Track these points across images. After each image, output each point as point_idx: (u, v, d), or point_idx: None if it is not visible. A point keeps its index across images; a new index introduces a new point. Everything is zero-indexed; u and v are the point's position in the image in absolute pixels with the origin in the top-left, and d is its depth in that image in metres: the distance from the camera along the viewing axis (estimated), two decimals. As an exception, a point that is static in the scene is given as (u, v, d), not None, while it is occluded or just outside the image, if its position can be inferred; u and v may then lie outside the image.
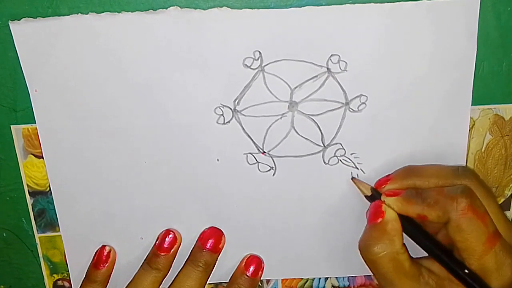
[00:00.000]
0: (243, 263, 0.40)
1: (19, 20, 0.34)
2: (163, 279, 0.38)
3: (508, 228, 0.33)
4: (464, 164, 0.38)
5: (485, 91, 0.37)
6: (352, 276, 0.42)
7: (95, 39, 0.35)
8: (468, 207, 0.30)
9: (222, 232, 0.39)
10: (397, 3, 0.34)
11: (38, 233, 0.40)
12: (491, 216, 0.31)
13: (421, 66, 0.35)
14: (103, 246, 0.39)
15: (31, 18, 0.34)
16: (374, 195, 0.35)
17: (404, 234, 0.33)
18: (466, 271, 0.31)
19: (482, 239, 0.31)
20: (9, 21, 0.34)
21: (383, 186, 0.35)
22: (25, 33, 0.35)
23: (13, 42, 0.35)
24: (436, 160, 0.37)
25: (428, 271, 0.33)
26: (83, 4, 0.34)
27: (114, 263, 0.40)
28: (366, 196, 0.36)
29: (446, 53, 0.35)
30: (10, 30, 0.35)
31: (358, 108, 0.36)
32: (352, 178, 0.37)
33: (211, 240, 0.38)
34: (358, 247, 0.34)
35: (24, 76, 0.36)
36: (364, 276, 0.41)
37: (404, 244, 0.33)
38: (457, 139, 0.37)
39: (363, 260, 0.33)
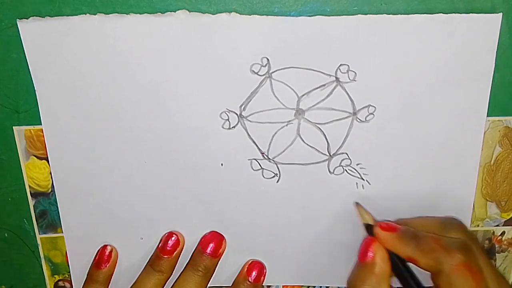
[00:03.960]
0: (245, 269, 0.39)
1: (27, 18, 0.34)
2: (166, 282, 0.38)
3: (499, 283, 0.32)
4: (476, 174, 0.38)
5: (495, 102, 0.36)
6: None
7: (102, 40, 0.34)
8: (463, 263, 0.30)
9: (223, 236, 0.39)
10: (410, 15, 0.33)
11: (39, 234, 0.40)
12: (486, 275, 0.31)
13: (432, 79, 0.35)
14: (105, 246, 0.39)
15: (39, 17, 0.34)
16: (371, 228, 0.34)
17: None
18: None
19: None
20: (17, 19, 0.34)
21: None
22: (32, 32, 0.34)
23: (16, 43, 0.34)
24: (444, 173, 0.37)
25: None
26: (85, 6, 0.34)
27: (116, 263, 0.40)
28: (365, 225, 0.35)
29: (461, 67, 0.34)
30: (13, 32, 0.34)
31: (365, 118, 0.36)
32: (357, 204, 0.37)
33: (212, 245, 0.38)
34: (346, 285, 0.34)
35: (26, 78, 0.35)
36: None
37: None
38: (469, 154, 0.37)
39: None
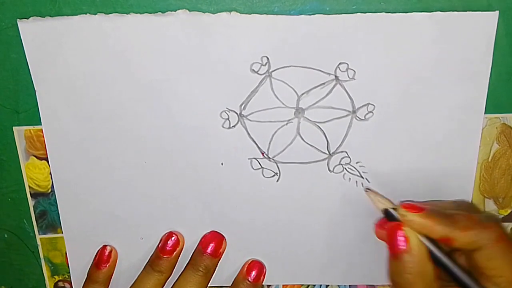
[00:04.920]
0: (245, 268, 0.40)
1: (27, 18, 0.34)
2: (166, 282, 0.38)
3: None
4: (474, 171, 0.38)
5: (493, 99, 0.36)
6: (353, 285, 0.42)
7: (103, 40, 0.34)
8: (501, 235, 0.30)
9: (223, 236, 0.39)
10: (408, 13, 0.33)
11: (39, 234, 0.40)
12: None
13: (431, 77, 0.35)
14: (104, 246, 0.39)
15: (40, 17, 0.34)
16: (392, 213, 0.32)
17: None
18: None
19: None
20: (17, 19, 0.34)
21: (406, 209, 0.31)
22: (33, 32, 0.34)
23: (16, 43, 0.34)
24: (442, 171, 0.37)
25: None
26: (85, 6, 0.34)
27: (116, 263, 0.40)
28: (384, 211, 0.33)
29: (459, 65, 0.35)
30: (13, 32, 0.34)
31: (365, 116, 0.36)
32: (367, 190, 0.35)
33: (212, 245, 0.38)
34: (388, 279, 0.32)
35: (26, 78, 0.35)
36: (366, 285, 0.41)
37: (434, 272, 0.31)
38: (467, 151, 0.37)
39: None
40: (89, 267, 0.39)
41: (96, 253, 0.39)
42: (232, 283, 0.40)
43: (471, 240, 0.30)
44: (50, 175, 0.38)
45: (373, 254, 0.40)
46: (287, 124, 0.36)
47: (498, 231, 0.30)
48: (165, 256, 0.38)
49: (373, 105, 0.36)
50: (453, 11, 0.33)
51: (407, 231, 0.30)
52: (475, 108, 0.36)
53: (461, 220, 0.30)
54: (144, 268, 0.39)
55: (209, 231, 0.39)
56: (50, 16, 0.34)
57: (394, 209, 0.32)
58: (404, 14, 0.33)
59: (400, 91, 0.35)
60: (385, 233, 0.31)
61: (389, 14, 0.33)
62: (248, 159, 0.37)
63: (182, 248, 0.39)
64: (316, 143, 0.37)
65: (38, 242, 0.41)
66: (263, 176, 0.38)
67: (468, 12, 0.33)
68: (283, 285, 0.41)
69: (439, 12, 0.33)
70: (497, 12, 0.33)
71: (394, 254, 0.30)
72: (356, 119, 0.36)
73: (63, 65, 0.35)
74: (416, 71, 0.35)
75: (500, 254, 0.30)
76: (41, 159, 0.38)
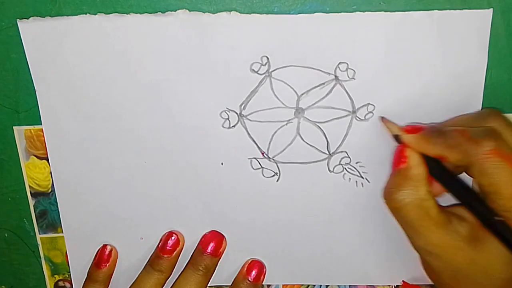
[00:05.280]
0: (245, 268, 0.40)
1: (27, 19, 0.34)
2: (166, 281, 0.38)
3: None
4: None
5: (492, 99, 0.36)
6: (353, 285, 0.42)
7: (103, 40, 0.35)
8: (492, 150, 0.29)
9: (224, 236, 0.39)
10: (407, 12, 0.33)
11: (39, 234, 0.40)
12: None
13: (430, 76, 0.35)
14: (105, 245, 0.39)
15: (40, 17, 0.34)
16: (398, 138, 0.33)
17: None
18: (496, 218, 0.29)
19: (510, 181, 0.29)
20: (18, 19, 0.34)
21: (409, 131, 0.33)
22: (33, 32, 0.34)
23: (16, 43, 0.35)
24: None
25: (458, 218, 0.31)
26: (86, 6, 0.34)
27: (116, 262, 0.40)
28: (394, 137, 0.34)
29: (456, 63, 0.35)
30: (13, 32, 0.34)
31: (365, 117, 0.36)
32: (382, 118, 0.35)
33: (212, 244, 0.38)
34: (382, 195, 0.33)
35: (26, 78, 0.36)
36: (366, 285, 0.41)
37: (430, 191, 0.31)
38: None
39: (388, 209, 0.32)
40: (89, 266, 0.39)
41: (96, 253, 0.39)
42: (232, 283, 0.40)
43: (460, 157, 0.30)
44: (50, 175, 0.38)
45: (373, 254, 0.40)
46: (287, 124, 0.36)
47: (489, 146, 0.29)
48: (165, 256, 0.38)
49: (373, 105, 0.35)
50: (451, 9, 0.33)
51: (408, 151, 0.32)
52: (472, 106, 0.36)
53: (453, 137, 0.30)
54: (144, 267, 0.39)
55: (209, 230, 0.39)
56: (50, 16, 0.34)
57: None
58: (403, 13, 0.33)
59: (400, 90, 0.35)
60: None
61: (389, 13, 0.33)
62: (248, 159, 0.37)
63: (182, 247, 0.39)
64: (316, 143, 0.37)
65: (39, 242, 0.41)
66: (263, 176, 0.38)
67: (463, 10, 0.33)
68: (283, 285, 0.41)
69: (436, 11, 0.33)
70: (491, 9, 0.33)
71: (393, 170, 0.33)
72: (356, 119, 0.36)
73: (63, 65, 0.35)
74: (415, 70, 0.35)
75: (493, 169, 0.29)
76: (41, 158, 0.38)
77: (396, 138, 0.33)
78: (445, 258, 0.31)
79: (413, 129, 0.33)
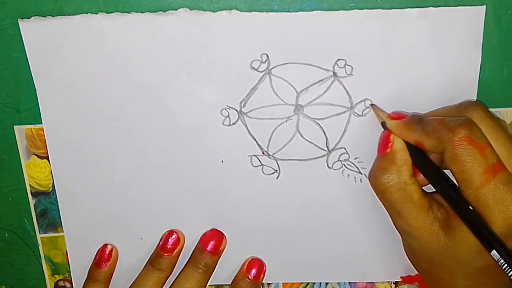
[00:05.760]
0: (245, 266, 0.40)
1: (28, 18, 0.34)
2: (166, 280, 0.38)
3: None
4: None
5: (486, 94, 0.37)
6: (353, 282, 0.42)
7: (103, 39, 0.35)
8: (464, 137, 0.29)
9: (224, 234, 0.39)
10: (404, 9, 0.34)
11: (40, 233, 0.40)
12: (498, 148, 0.30)
13: (426, 72, 0.36)
14: (105, 245, 0.39)
15: (41, 17, 0.34)
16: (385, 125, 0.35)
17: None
18: (470, 207, 0.30)
19: (478, 170, 0.29)
20: (19, 19, 0.34)
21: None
22: (34, 31, 0.34)
23: (17, 43, 0.35)
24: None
25: (437, 204, 0.33)
26: (87, 5, 0.34)
27: (116, 262, 0.40)
28: (382, 124, 0.35)
29: (451, 59, 0.35)
30: (14, 31, 0.35)
31: (362, 112, 0.36)
32: (372, 105, 0.36)
33: (212, 242, 0.38)
34: (368, 178, 0.34)
35: (27, 77, 0.36)
36: (366, 282, 0.41)
37: (413, 176, 0.33)
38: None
39: (374, 193, 0.34)
40: (89, 266, 0.39)
41: (97, 252, 0.39)
42: (232, 281, 0.40)
43: (435, 143, 0.31)
44: (50, 174, 0.38)
45: (372, 251, 0.40)
46: (286, 121, 0.37)
47: (462, 133, 0.29)
48: (165, 255, 0.38)
49: (370, 100, 0.36)
50: (446, 6, 0.34)
51: (392, 137, 0.34)
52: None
53: (430, 125, 0.31)
54: (144, 266, 0.39)
55: (209, 229, 0.39)
56: (51, 15, 0.34)
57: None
58: (400, 10, 0.34)
59: (396, 86, 0.36)
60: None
61: (385, 10, 0.34)
62: (248, 156, 0.38)
63: (183, 246, 0.39)
64: (315, 140, 0.37)
65: (39, 241, 0.40)
66: (263, 173, 0.38)
67: (457, 7, 0.34)
68: (283, 283, 0.42)
69: (431, 8, 0.34)
70: (484, 6, 0.34)
71: (379, 154, 0.34)
72: (354, 115, 0.36)
73: (64, 64, 0.35)
74: (412, 66, 0.35)
75: (463, 156, 0.29)
76: (42, 158, 0.38)
77: (383, 125, 0.35)
78: (423, 240, 0.32)
79: (397, 116, 0.34)
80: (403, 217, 0.33)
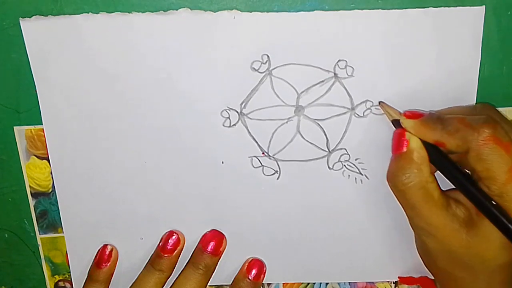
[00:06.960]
0: (245, 267, 0.40)
1: (29, 18, 0.34)
2: (166, 280, 0.38)
3: None
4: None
5: (485, 94, 0.37)
6: (353, 282, 0.42)
7: (104, 39, 0.35)
8: (490, 136, 0.29)
9: (224, 235, 0.39)
10: (405, 9, 0.34)
11: (40, 234, 0.40)
12: None
13: (426, 72, 0.36)
14: (105, 245, 0.39)
15: (42, 16, 0.34)
16: (397, 123, 0.34)
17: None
18: (493, 202, 0.30)
19: (504, 168, 0.29)
20: (20, 18, 0.34)
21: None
22: (35, 31, 0.34)
23: (18, 42, 0.35)
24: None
25: (455, 202, 0.32)
26: (87, 5, 0.34)
27: (116, 262, 0.40)
28: (392, 122, 0.34)
29: (451, 59, 0.35)
30: (15, 31, 0.35)
31: (363, 113, 0.36)
32: (381, 103, 0.36)
33: (212, 243, 0.38)
34: (386, 179, 0.33)
35: (27, 77, 0.36)
36: (366, 282, 0.42)
37: (432, 173, 0.32)
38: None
39: (392, 192, 0.33)
40: (89, 266, 0.39)
41: (97, 253, 0.39)
42: (232, 282, 0.40)
43: (459, 143, 0.31)
44: (50, 175, 0.38)
45: (373, 251, 0.40)
46: (287, 122, 0.37)
47: (487, 132, 0.30)
48: (165, 255, 0.38)
49: (371, 101, 0.36)
50: (446, 6, 0.34)
51: (408, 136, 0.33)
52: (467, 100, 0.36)
53: (452, 124, 0.31)
54: (145, 267, 0.39)
55: (209, 229, 0.39)
56: (52, 15, 0.34)
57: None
58: (400, 10, 0.34)
59: (397, 87, 0.36)
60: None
61: (386, 10, 0.34)
62: (249, 157, 0.38)
63: (183, 247, 0.39)
64: (316, 141, 0.37)
65: (39, 242, 0.40)
66: (264, 174, 0.38)
67: (457, 7, 0.34)
68: (283, 284, 0.42)
69: (432, 8, 0.34)
70: (484, 7, 0.34)
71: (395, 154, 0.33)
72: (355, 116, 0.36)
73: (64, 64, 0.35)
74: (412, 67, 0.35)
75: (489, 155, 0.30)
76: (41, 158, 0.38)
77: (395, 123, 0.34)
78: (443, 240, 0.32)
79: (413, 114, 0.33)
80: (423, 217, 0.32)
